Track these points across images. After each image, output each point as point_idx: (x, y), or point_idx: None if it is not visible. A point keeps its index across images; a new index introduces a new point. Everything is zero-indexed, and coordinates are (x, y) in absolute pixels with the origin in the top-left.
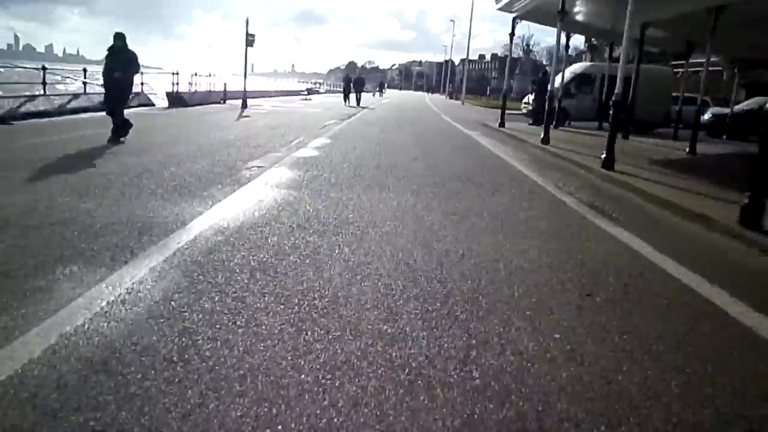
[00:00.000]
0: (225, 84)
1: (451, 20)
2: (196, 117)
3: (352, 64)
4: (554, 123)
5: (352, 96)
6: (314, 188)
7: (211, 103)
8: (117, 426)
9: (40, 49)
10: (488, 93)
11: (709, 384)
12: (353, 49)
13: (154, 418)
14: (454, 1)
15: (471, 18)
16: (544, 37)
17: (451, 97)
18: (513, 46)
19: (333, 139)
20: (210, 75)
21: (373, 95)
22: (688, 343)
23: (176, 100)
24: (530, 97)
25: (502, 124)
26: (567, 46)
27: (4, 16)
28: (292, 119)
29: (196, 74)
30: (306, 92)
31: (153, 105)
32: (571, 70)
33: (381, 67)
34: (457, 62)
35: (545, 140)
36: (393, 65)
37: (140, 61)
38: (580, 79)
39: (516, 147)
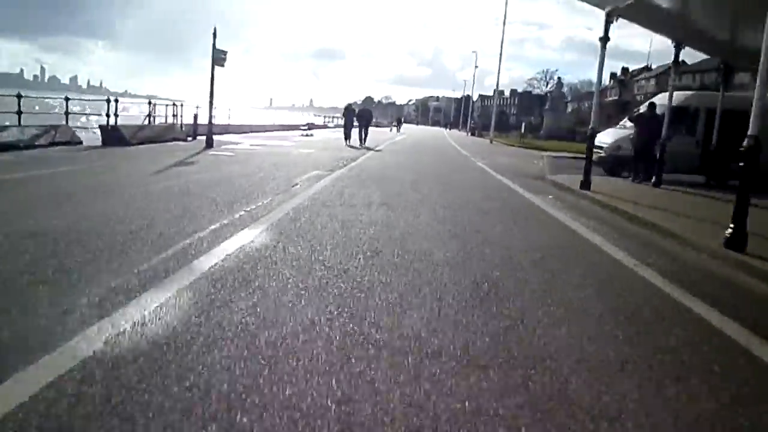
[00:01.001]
0: (195, 115)
1: (473, 51)
2: (84, 169)
3: (368, 99)
4: (640, 177)
5: (355, 132)
6: None
7: (172, 139)
8: None
9: (65, 80)
10: (508, 130)
11: None
12: (370, 85)
13: None
14: (469, 39)
15: (501, 45)
16: (568, 71)
17: (473, 134)
18: (536, 83)
19: (275, 233)
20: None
21: (390, 130)
22: None
23: (112, 136)
24: (607, 139)
25: (586, 185)
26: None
27: (31, 48)
28: (253, 171)
29: (151, 103)
30: (306, 127)
31: (79, 143)
32: (663, 103)
33: (398, 102)
34: (474, 98)
35: (738, 238)
36: (410, 100)
37: (158, 92)
38: (675, 114)
39: (678, 259)
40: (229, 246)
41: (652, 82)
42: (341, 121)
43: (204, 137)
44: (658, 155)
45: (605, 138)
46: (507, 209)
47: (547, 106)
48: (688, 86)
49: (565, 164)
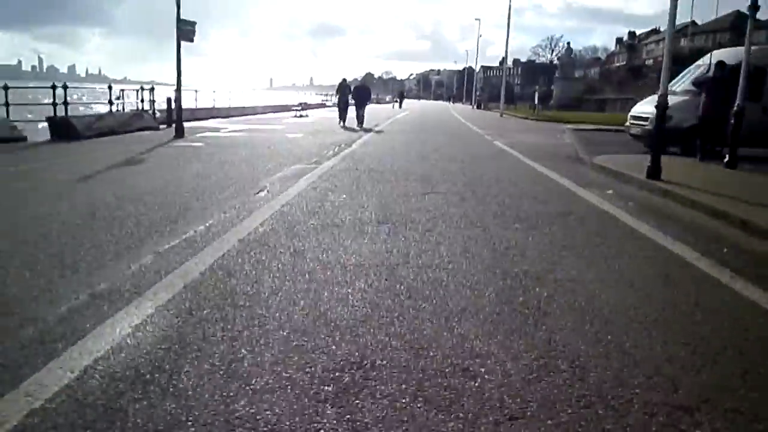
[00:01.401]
0: (169, 100)
1: (477, 19)
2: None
3: (369, 75)
4: (700, 155)
5: (352, 111)
6: None
7: (139, 129)
8: None
9: (63, 69)
10: (514, 101)
11: None
12: (370, 60)
13: None
14: (468, 9)
15: (510, 6)
16: (568, 38)
17: (479, 107)
18: (541, 51)
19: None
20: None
21: (393, 107)
22: None
23: (62, 128)
24: (649, 108)
25: (655, 172)
26: None
27: (28, 38)
28: (213, 170)
29: (110, 87)
30: (299, 107)
31: (23, 139)
32: (722, 60)
33: (398, 78)
34: (477, 69)
35: None
36: (410, 75)
37: (159, 78)
38: (734, 75)
39: None
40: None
41: (662, 45)
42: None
43: (200, 122)
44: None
45: (646, 108)
46: (572, 223)
47: (556, 74)
48: (702, 48)
49: (597, 139)
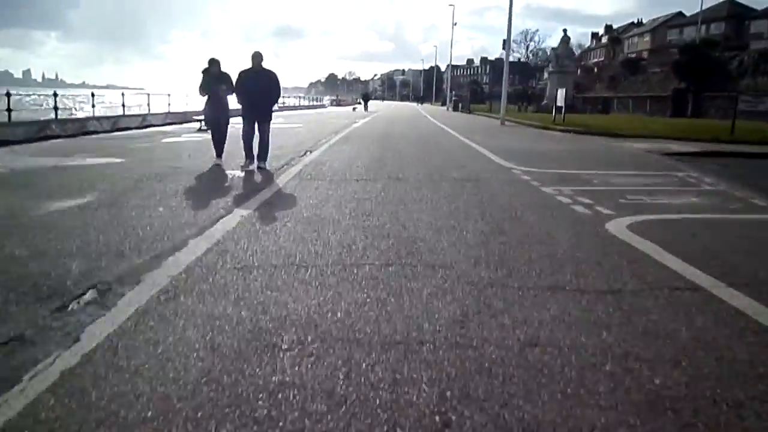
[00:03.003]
0: None
1: (450, 5)
2: None
3: (332, 77)
4: None
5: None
6: None
7: None
8: None
9: (18, 74)
10: (484, 101)
11: None
12: (333, 62)
13: None
14: (430, 11)
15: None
16: (547, 32)
17: (455, 109)
18: (515, 47)
19: None
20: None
21: (353, 109)
22: None
23: None
24: None
25: None
26: None
27: None
28: None
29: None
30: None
31: None
32: None
33: (363, 78)
34: (450, 62)
35: None
36: (375, 75)
37: (118, 82)
38: None
39: None
40: None
41: (647, 38)
42: (313, 102)
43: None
44: None
45: None
46: None
47: (550, 68)
48: (692, 41)
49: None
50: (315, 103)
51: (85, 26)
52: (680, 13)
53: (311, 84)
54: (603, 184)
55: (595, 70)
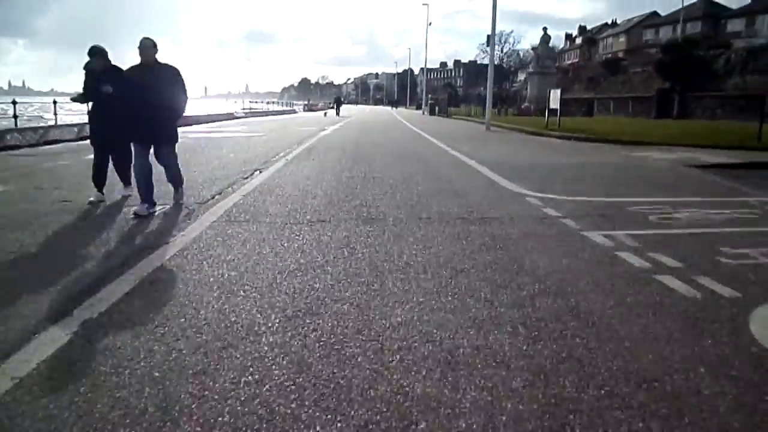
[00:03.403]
0: None
1: (425, 4)
2: None
3: (305, 81)
4: None
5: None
6: None
7: None
8: None
9: None
10: (458, 104)
11: None
12: (306, 67)
13: None
14: (402, 15)
15: None
16: (523, 33)
17: (432, 113)
18: (487, 49)
19: None
20: None
21: (325, 115)
22: None
23: None
24: None
25: None
26: None
27: None
28: None
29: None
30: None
31: None
32: None
33: (336, 82)
34: (424, 65)
35: None
36: (348, 79)
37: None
38: None
39: None
40: None
41: (622, 38)
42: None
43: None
44: None
45: None
46: None
47: (530, 69)
48: (673, 40)
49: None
50: (286, 108)
51: (54, 34)
52: (655, 13)
53: (284, 89)
54: (666, 223)
55: (571, 71)
